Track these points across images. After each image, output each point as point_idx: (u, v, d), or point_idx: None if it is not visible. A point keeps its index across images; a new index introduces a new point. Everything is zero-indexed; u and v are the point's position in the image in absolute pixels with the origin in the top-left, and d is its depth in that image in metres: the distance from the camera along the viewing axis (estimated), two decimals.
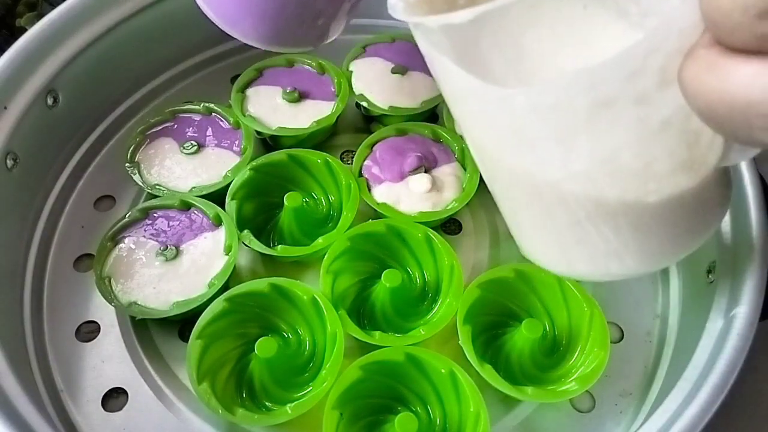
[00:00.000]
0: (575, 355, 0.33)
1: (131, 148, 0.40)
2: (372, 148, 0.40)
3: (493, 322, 0.35)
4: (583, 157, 0.20)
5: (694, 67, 0.15)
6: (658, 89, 0.18)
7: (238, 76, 0.43)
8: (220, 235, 0.36)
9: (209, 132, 0.41)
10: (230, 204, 0.37)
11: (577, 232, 0.22)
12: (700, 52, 0.15)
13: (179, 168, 0.39)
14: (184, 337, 0.35)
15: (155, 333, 0.36)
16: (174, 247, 0.35)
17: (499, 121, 0.21)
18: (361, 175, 0.39)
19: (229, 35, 0.34)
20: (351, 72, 0.44)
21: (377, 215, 0.37)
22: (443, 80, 0.22)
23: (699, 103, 0.15)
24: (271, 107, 0.42)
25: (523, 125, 0.20)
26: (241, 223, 0.37)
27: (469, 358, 0.31)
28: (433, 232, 0.35)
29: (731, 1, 0.14)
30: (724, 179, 0.23)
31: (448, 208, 0.37)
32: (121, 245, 0.36)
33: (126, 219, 0.36)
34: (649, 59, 0.18)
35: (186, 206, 0.37)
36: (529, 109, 0.20)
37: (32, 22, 0.37)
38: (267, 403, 0.32)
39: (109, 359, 0.34)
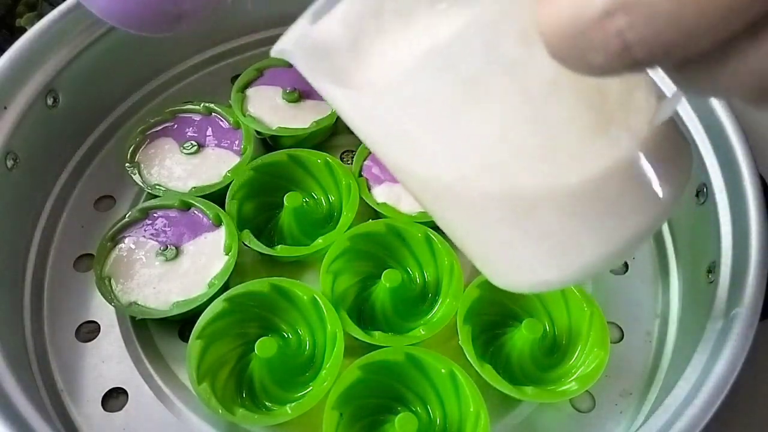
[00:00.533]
0: (575, 355, 0.33)
1: (131, 148, 0.39)
2: None
3: (493, 322, 0.35)
4: (473, 143, 0.18)
5: (540, 6, 0.14)
6: (524, 49, 0.16)
7: (238, 76, 0.43)
8: (220, 235, 0.36)
9: (209, 132, 0.41)
10: (230, 204, 0.37)
11: (509, 231, 0.20)
12: None
13: (179, 168, 0.39)
14: (184, 337, 0.35)
15: (155, 333, 0.36)
16: (174, 247, 0.35)
17: (380, 123, 0.19)
18: (361, 175, 0.39)
19: (229, 35, 0.34)
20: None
21: (377, 215, 0.37)
22: (325, 96, 0.21)
23: (544, 32, 0.14)
24: (271, 107, 0.42)
25: (400, 123, 0.19)
26: (241, 223, 0.37)
27: (469, 358, 0.31)
28: (433, 231, 0.35)
29: None
30: (671, 140, 0.20)
31: None
32: (121, 245, 0.36)
33: (126, 219, 0.36)
34: (503, 22, 0.16)
35: (186, 206, 0.37)
36: (395, 108, 0.18)
37: (32, 22, 0.37)
38: (267, 403, 0.32)
39: (109, 359, 0.34)
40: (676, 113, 0.37)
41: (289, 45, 0.20)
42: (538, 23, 0.14)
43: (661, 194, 0.19)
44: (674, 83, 0.15)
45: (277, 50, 0.20)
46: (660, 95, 0.20)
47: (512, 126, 0.18)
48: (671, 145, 0.20)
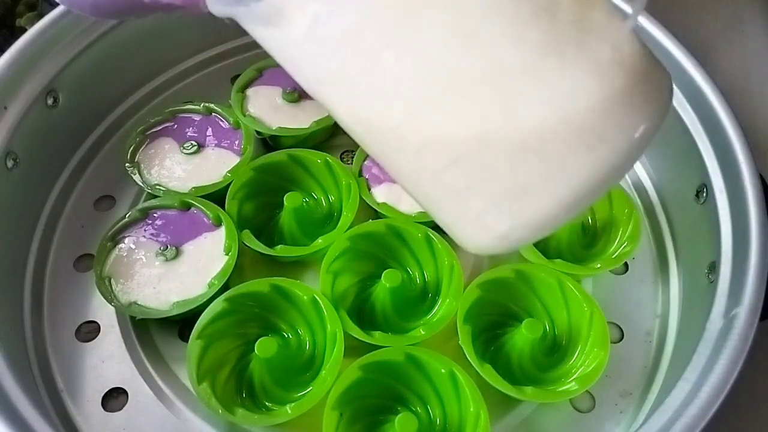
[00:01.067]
0: (575, 355, 0.33)
1: (131, 148, 0.39)
2: None
3: (493, 322, 0.35)
4: (407, 82, 0.17)
5: None
6: None
7: (238, 76, 0.43)
8: (220, 235, 0.36)
9: (209, 132, 0.41)
10: (230, 204, 0.37)
11: (463, 177, 0.18)
12: None
13: (179, 168, 0.39)
14: (184, 337, 0.35)
15: (155, 333, 0.36)
16: (174, 247, 0.35)
17: (307, 68, 0.18)
18: (361, 175, 0.39)
19: (228, 35, 0.34)
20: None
21: (377, 215, 0.37)
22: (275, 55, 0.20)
23: None
24: (271, 107, 0.42)
25: (327, 66, 0.17)
26: (241, 223, 0.37)
27: (469, 358, 0.31)
28: (433, 231, 0.35)
29: None
30: (642, 67, 0.18)
31: None
32: (121, 245, 0.36)
33: (126, 219, 0.36)
34: None
35: (186, 206, 0.37)
36: (319, 46, 0.17)
37: (32, 22, 0.37)
38: (267, 403, 0.32)
39: (109, 359, 0.34)
40: (675, 111, 0.37)
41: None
42: None
43: (629, 128, 0.17)
44: None
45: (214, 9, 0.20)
46: (624, 17, 0.18)
47: (448, 57, 0.16)
48: (642, 72, 0.18)
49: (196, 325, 0.32)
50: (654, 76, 0.18)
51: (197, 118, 0.42)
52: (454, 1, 0.16)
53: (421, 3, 0.16)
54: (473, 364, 0.31)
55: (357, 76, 0.18)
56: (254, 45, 0.48)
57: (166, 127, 0.41)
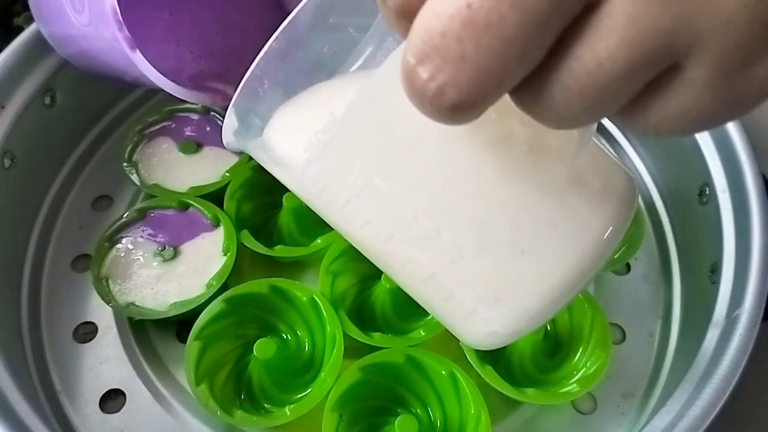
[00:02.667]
0: (577, 357, 0.33)
1: (129, 148, 0.39)
2: None
3: None
4: (394, 204, 0.20)
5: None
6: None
7: None
8: (219, 236, 0.36)
9: (208, 131, 0.41)
10: (229, 204, 0.37)
11: (448, 287, 0.22)
12: None
13: (177, 168, 0.39)
14: (182, 338, 0.35)
15: (153, 334, 0.35)
16: (172, 248, 0.35)
17: (315, 198, 0.23)
18: None
19: None
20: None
21: None
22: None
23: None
24: None
25: (318, 197, 0.22)
26: (240, 224, 0.37)
27: (469, 360, 0.31)
28: None
29: None
30: (600, 176, 0.21)
31: None
32: (118, 246, 0.36)
33: (124, 219, 0.36)
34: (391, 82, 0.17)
35: (184, 206, 0.37)
36: (312, 181, 0.21)
37: (29, 21, 0.37)
38: (266, 405, 0.31)
39: (107, 360, 0.34)
40: None
41: (242, 146, 0.25)
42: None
43: (595, 232, 0.20)
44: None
45: (230, 146, 0.26)
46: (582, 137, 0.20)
47: (420, 196, 0.20)
48: (600, 183, 0.20)
49: (194, 326, 0.31)
50: (614, 182, 0.21)
51: (195, 117, 0.41)
52: (418, 142, 0.19)
53: (402, 150, 0.19)
54: (474, 366, 0.31)
55: (343, 207, 0.22)
56: None
57: (164, 126, 0.41)
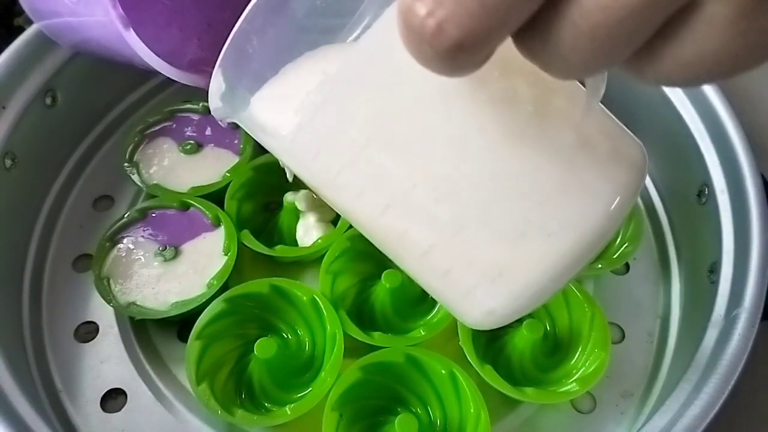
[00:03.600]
0: (576, 356, 0.33)
1: (130, 148, 0.39)
2: None
3: None
4: (397, 169, 0.19)
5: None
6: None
7: None
8: (219, 236, 0.36)
9: (208, 131, 0.41)
10: (229, 204, 0.37)
11: (448, 263, 0.20)
12: None
13: (178, 168, 0.39)
14: (183, 337, 0.35)
15: (154, 333, 0.35)
16: (173, 248, 0.35)
17: (304, 170, 0.21)
18: None
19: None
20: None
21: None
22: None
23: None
24: None
25: (311, 165, 0.20)
26: (240, 223, 0.37)
27: (469, 359, 0.31)
28: None
29: None
30: (609, 144, 0.19)
31: None
32: (119, 245, 0.36)
33: (125, 219, 0.36)
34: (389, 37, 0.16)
35: (185, 206, 0.37)
36: (302, 151, 0.20)
37: (31, 22, 0.37)
38: (266, 404, 0.31)
39: (108, 360, 0.34)
40: (676, 112, 0.37)
41: (230, 113, 0.24)
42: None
43: (603, 202, 0.19)
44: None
45: (217, 113, 0.24)
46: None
47: (429, 154, 0.18)
48: (609, 148, 0.19)
49: (195, 326, 0.31)
50: (624, 149, 0.19)
51: (196, 117, 0.42)
52: (421, 96, 0.18)
53: (400, 109, 0.18)
54: (473, 365, 0.31)
55: (337, 176, 0.20)
56: None
57: (164, 126, 0.41)
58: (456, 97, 0.18)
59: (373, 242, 0.23)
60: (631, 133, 0.20)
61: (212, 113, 0.25)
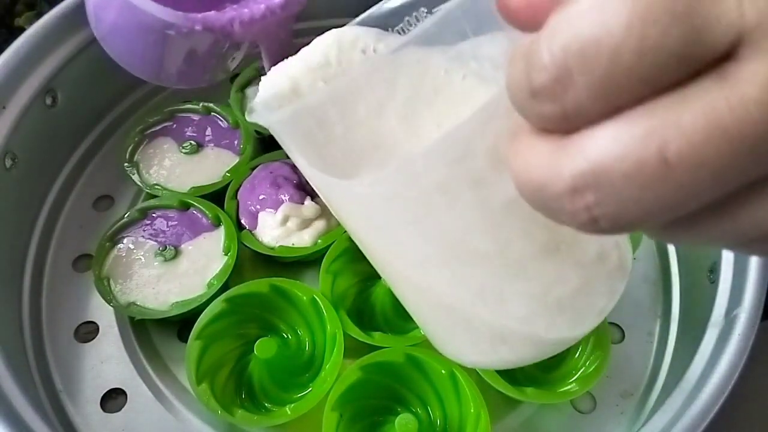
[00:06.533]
0: (576, 356, 0.33)
1: (130, 148, 0.39)
2: None
3: None
4: (434, 242, 0.19)
5: (511, 145, 0.14)
6: (493, 170, 0.17)
7: (237, 75, 0.43)
8: (219, 236, 0.36)
9: (208, 131, 0.41)
10: (229, 204, 0.37)
11: (452, 318, 0.22)
12: (518, 130, 0.14)
13: (178, 168, 0.39)
14: (183, 337, 0.35)
15: (154, 333, 0.35)
16: (173, 248, 0.35)
17: (350, 209, 0.21)
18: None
19: None
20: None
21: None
22: (300, 168, 0.22)
23: (515, 183, 0.14)
24: None
25: (369, 213, 0.20)
26: (240, 223, 0.37)
27: None
28: None
29: (513, 78, 0.13)
30: (612, 266, 0.21)
31: None
32: (120, 245, 0.36)
33: (125, 219, 0.36)
34: (475, 142, 0.17)
35: (185, 206, 0.37)
36: (369, 199, 0.19)
37: (31, 22, 0.37)
38: (266, 404, 0.32)
39: (108, 360, 0.34)
40: None
41: (278, 119, 0.20)
42: (510, 169, 0.14)
43: (589, 317, 0.21)
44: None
45: (260, 120, 0.20)
46: None
47: (470, 232, 0.19)
48: (613, 275, 0.21)
49: (195, 326, 0.31)
50: (626, 258, 0.21)
51: (196, 117, 0.42)
52: (483, 202, 0.18)
53: (454, 196, 0.18)
54: None
55: (386, 231, 0.21)
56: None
57: (165, 126, 0.41)
58: (518, 208, 0.18)
59: (388, 279, 0.24)
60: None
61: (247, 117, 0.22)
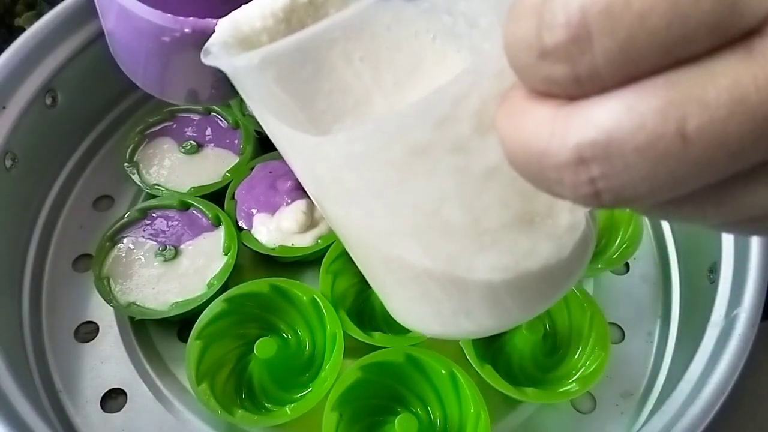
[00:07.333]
0: (576, 356, 0.33)
1: (130, 148, 0.39)
2: None
3: None
4: (406, 210, 0.18)
5: (502, 110, 0.13)
6: (476, 135, 0.16)
7: None
8: (219, 235, 0.36)
9: (208, 131, 0.41)
10: (229, 204, 0.37)
11: (418, 289, 0.21)
12: (510, 94, 0.13)
13: (178, 168, 0.39)
14: (183, 337, 0.35)
15: (154, 333, 0.36)
16: (173, 248, 0.35)
17: (318, 170, 0.19)
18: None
19: None
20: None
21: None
22: (263, 125, 0.20)
23: (505, 150, 0.13)
24: None
25: (339, 176, 0.18)
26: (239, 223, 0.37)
27: (469, 359, 0.31)
28: None
29: (517, 37, 0.12)
30: (582, 235, 0.20)
31: None
32: (120, 245, 0.36)
33: (125, 219, 0.36)
34: (460, 105, 0.16)
35: (185, 206, 0.37)
36: (341, 159, 0.18)
37: (31, 22, 0.37)
38: (266, 404, 0.31)
39: (108, 360, 0.34)
40: None
41: (244, 64, 0.18)
42: (500, 135, 0.13)
43: (559, 288, 0.20)
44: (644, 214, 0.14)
45: (220, 64, 0.19)
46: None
47: (446, 200, 0.18)
48: (582, 244, 0.20)
49: (195, 326, 0.31)
50: (588, 243, 0.21)
51: (196, 117, 0.42)
52: (464, 166, 0.17)
53: (433, 159, 0.17)
54: (473, 365, 0.31)
55: (359, 194, 0.19)
56: None
57: (165, 126, 0.41)
58: (498, 177, 0.18)
59: (349, 245, 0.23)
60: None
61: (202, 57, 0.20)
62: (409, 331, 0.33)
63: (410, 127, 0.16)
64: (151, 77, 0.34)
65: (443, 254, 0.19)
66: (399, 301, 0.23)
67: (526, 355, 0.32)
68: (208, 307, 0.32)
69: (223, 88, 0.35)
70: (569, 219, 0.19)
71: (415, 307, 0.22)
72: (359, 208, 0.19)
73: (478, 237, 0.18)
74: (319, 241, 0.35)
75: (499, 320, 0.21)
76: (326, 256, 0.34)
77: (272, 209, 0.36)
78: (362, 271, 0.24)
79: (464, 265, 0.19)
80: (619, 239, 0.37)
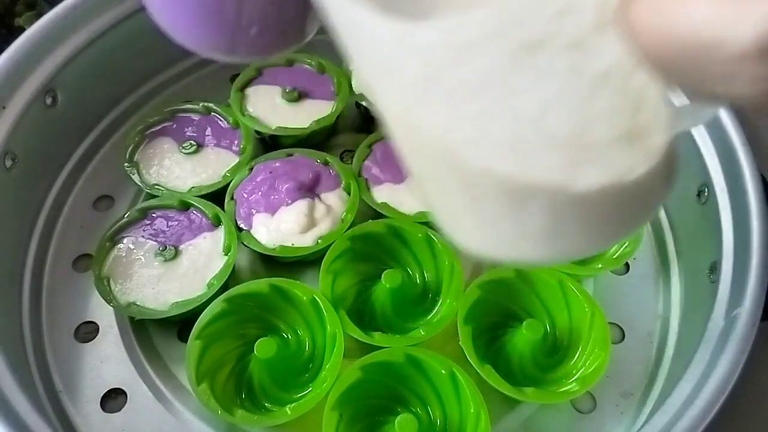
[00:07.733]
0: (576, 356, 0.33)
1: (130, 148, 0.39)
2: (371, 147, 0.40)
3: (493, 322, 0.34)
4: (506, 115, 0.16)
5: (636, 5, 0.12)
6: (594, 31, 0.15)
7: (237, 75, 0.43)
8: (219, 235, 0.36)
9: (208, 131, 0.41)
10: (229, 204, 0.37)
11: (501, 209, 0.18)
12: None
13: (178, 168, 0.39)
14: (183, 337, 0.35)
15: (154, 333, 0.36)
16: (173, 248, 0.35)
17: (402, 67, 0.17)
18: (360, 175, 0.39)
19: None
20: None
21: (377, 215, 0.37)
22: (334, 16, 0.18)
23: (646, 43, 0.12)
24: (270, 107, 0.42)
25: (430, 72, 0.16)
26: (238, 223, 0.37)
27: (469, 359, 0.31)
28: (434, 232, 0.35)
29: None
30: (669, 160, 0.19)
31: None
32: (120, 245, 0.36)
33: (125, 219, 0.36)
34: None
35: (185, 206, 0.37)
36: (438, 51, 0.16)
37: (31, 22, 0.37)
38: (266, 404, 0.32)
39: (108, 360, 0.34)
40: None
41: None
42: (633, 27, 0.12)
43: (649, 210, 0.19)
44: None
45: None
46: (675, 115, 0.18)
47: (551, 107, 0.16)
48: (671, 165, 0.19)
49: (195, 326, 0.32)
50: (674, 167, 0.19)
51: (196, 117, 0.42)
52: (575, 69, 0.16)
53: (544, 57, 0.16)
54: (473, 365, 0.31)
55: (454, 95, 0.17)
56: None
57: (165, 126, 0.41)
58: (608, 85, 0.16)
59: (412, 158, 0.20)
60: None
61: None
62: (408, 330, 0.33)
63: (528, 15, 0.15)
64: (214, 28, 0.27)
65: (540, 167, 0.17)
66: (472, 224, 0.20)
67: (526, 355, 0.32)
68: (208, 307, 0.32)
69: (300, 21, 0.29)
70: (662, 140, 0.18)
71: (492, 229, 0.19)
72: (448, 110, 0.17)
73: (582, 150, 0.16)
74: (319, 241, 0.35)
75: (586, 242, 0.19)
76: (326, 256, 0.34)
77: (272, 209, 0.36)
78: (424, 190, 0.21)
79: (564, 180, 0.17)
80: None
